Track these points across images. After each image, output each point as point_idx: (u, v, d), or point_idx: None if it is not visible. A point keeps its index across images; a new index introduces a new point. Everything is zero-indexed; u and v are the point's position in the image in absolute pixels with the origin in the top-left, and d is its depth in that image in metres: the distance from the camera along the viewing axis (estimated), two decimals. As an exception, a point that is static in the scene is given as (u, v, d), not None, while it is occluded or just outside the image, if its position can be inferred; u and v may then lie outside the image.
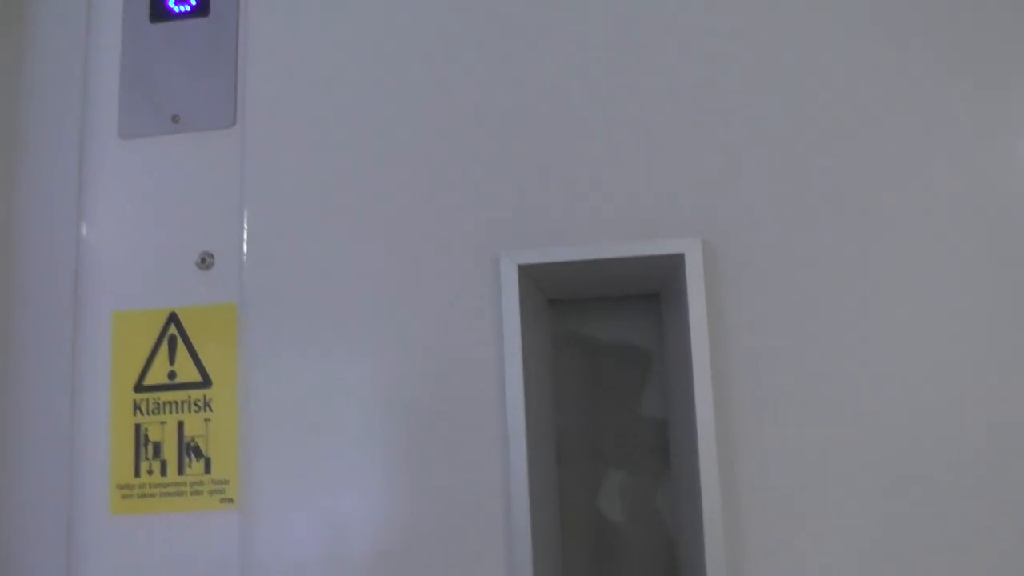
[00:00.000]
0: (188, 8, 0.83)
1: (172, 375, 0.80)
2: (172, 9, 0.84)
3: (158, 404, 0.80)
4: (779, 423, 0.70)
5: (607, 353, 0.85)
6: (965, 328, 0.71)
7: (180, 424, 0.79)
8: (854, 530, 0.69)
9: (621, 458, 0.85)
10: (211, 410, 0.79)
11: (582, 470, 0.85)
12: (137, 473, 0.80)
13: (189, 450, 0.79)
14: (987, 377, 0.70)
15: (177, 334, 0.80)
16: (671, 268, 0.73)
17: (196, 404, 0.79)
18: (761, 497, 0.70)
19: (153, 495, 0.79)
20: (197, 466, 0.79)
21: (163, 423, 0.80)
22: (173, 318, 0.80)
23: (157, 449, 0.79)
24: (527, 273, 0.73)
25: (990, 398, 0.70)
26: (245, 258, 0.79)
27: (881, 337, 0.71)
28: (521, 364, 0.71)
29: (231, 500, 0.78)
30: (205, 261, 0.80)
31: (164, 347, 0.80)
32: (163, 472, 0.79)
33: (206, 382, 0.79)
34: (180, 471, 0.79)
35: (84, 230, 0.83)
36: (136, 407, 0.80)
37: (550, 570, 0.77)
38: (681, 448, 0.75)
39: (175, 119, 0.83)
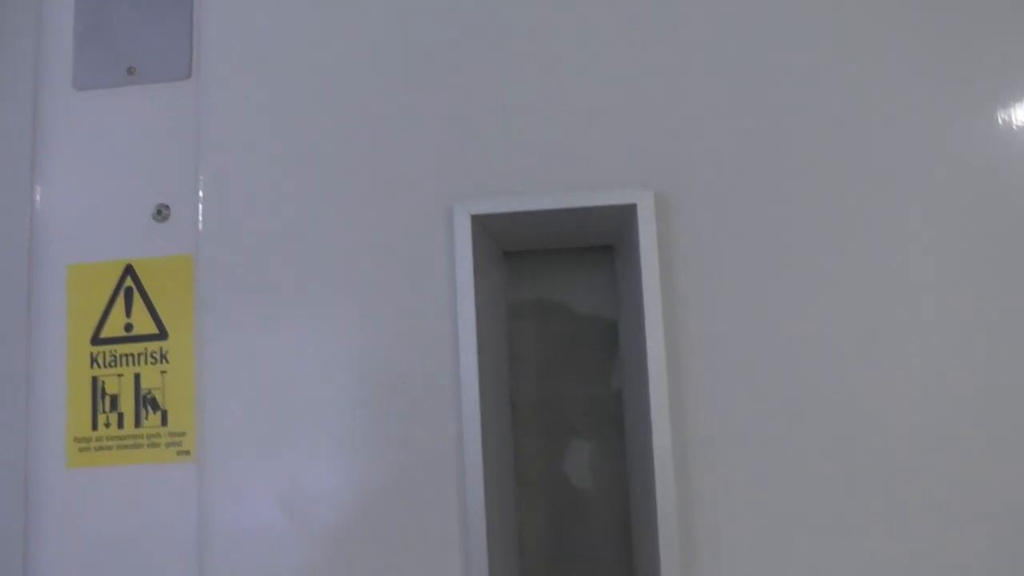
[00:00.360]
0: (143, -42, 0.82)
1: (128, 327, 0.80)
2: (127, -41, 0.83)
3: (115, 357, 0.80)
4: (730, 373, 0.71)
5: (564, 318, 0.86)
6: (916, 271, 0.72)
7: (137, 376, 0.79)
8: (804, 482, 0.70)
9: (578, 421, 0.86)
10: (168, 362, 0.79)
11: (538, 431, 0.86)
12: (95, 426, 0.79)
13: (146, 402, 0.79)
14: (941, 325, 0.71)
15: (133, 286, 0.80)
16: (624, 219, 0.73)
17: (153, 356, 0.79)
18: (711, 451, 0.71)
19: (110, 448, 0.79)
20: (154, 418, 0.79)
21: (120, 376, 0.79)
22: (129, 270, 0.80)
23: (114, 402, 0.79)
24: (481, 224, 0.73)
25: (944, 348, 0.71)
26: (201, 210, 0.79)
27: (835, 290, 0.72)
28: (475, 314, 0.71)
29: (188, 452, 0.78)
30: (161, 213, 0.80)
31: (120, 299, 0.80)
32: (120, 425, 0.79)
33: (162, 334, 0.79)
34: (137, 424, 0.79)
35: (38, 183, 0.82)
36: (93, 360, 0.80)
37: (505, 531, 0.77)
38: (634, 402, 0.76)
39: (130, 71, 0.82)
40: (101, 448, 0.79)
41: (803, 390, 0.71)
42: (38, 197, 0.82)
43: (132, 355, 0.79)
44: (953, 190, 0.72)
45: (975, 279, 0.71)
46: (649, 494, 0.69)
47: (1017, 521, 0.69)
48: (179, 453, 0.78)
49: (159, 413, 0.78)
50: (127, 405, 0.79)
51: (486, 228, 0.74)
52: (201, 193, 0.79)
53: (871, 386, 0.71)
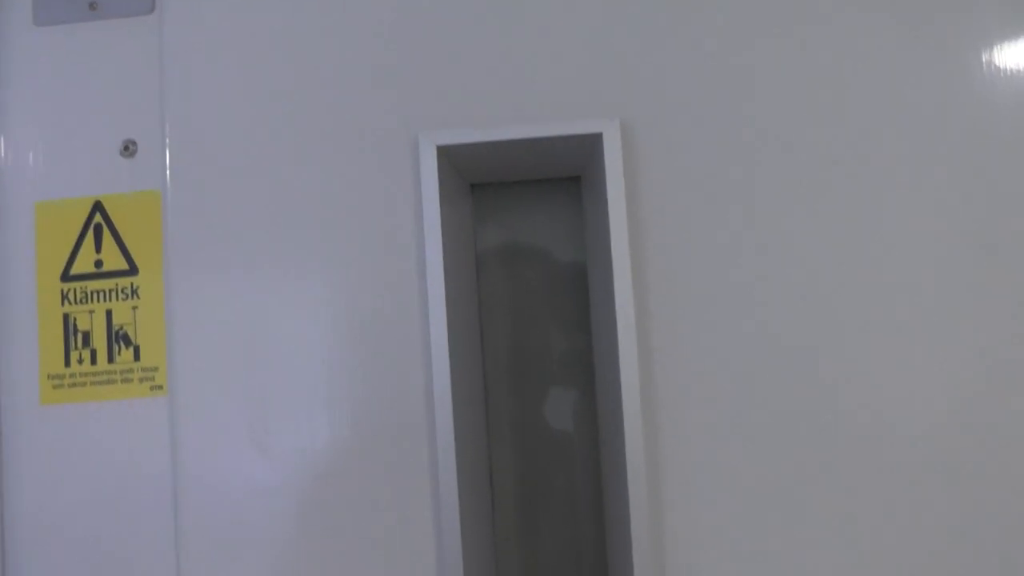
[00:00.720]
0: None
1: (99, 264, 0.80)
2: None
3: (86, 293, 0.80)
4: (697, 303, 0.72)
5: (535, 263, 0.86)
6: (887, 195, 0.73)
7: (108, 312, 0.79)
8: (773, 420, 0.72)
9: (550, 368, 0.87)
10: (139, 298, 0.79)
11: (509, 377, 0.87)
12: (67, 363, 0.80)
13: (118, 338, 0.79)
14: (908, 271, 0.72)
15: (103, 222, 0.80)
16: (590, 149, 0.73)
17: (124, 292, 0.79)
18: (678, 380, 0.72)
19: (84, 384, 0.80)
20: (127, 354, 0.79)
21: (91, 312, 0.80)
22: (98, 206, 0.80)
23: (86, 338, 0.80)
24: (446, 155, 0.73)
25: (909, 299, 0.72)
26: (167, 145, 0.78)
27: (806, 216, 0.73)
28: (442, 245, 0.71)
29: (161, 387, 0.78)
30: (128, 149, 0.79)
31: (90, 236, 0.80)
32: (93, 361, 0.79)
33: (133, 270, 0.79)
34: (110, 359, 0.79)
35: (2, 121, 0.81)
36: (64, 296, 0.80)
37: (476, 473, 0.79)
38: (603, 339, 0.77)
39: (92, 6, 0.81)
40: (75, 384, 0.80)
41: (773, 320, 0.72)
42: (2, 135, 0.81)
43: (103, 291, 0.79)
44: (931, 126, 0.73)
45: (956, 212, 0.72)
46: (618, 431, 0.71)
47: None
48: (152, 388, 0.79)
49: (132, 349, 0.79)
50: (99, 341, 0.79)
51: (452, 160, 0.74)
52: (167, 129, 0.78)
53: (843, 313, 0.72)
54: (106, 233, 0.80)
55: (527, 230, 0.86)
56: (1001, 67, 0.73)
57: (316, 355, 0.76)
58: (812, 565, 0.71)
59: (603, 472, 0.83)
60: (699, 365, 0.72)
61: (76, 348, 0.80)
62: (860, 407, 0.71)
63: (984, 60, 0.73)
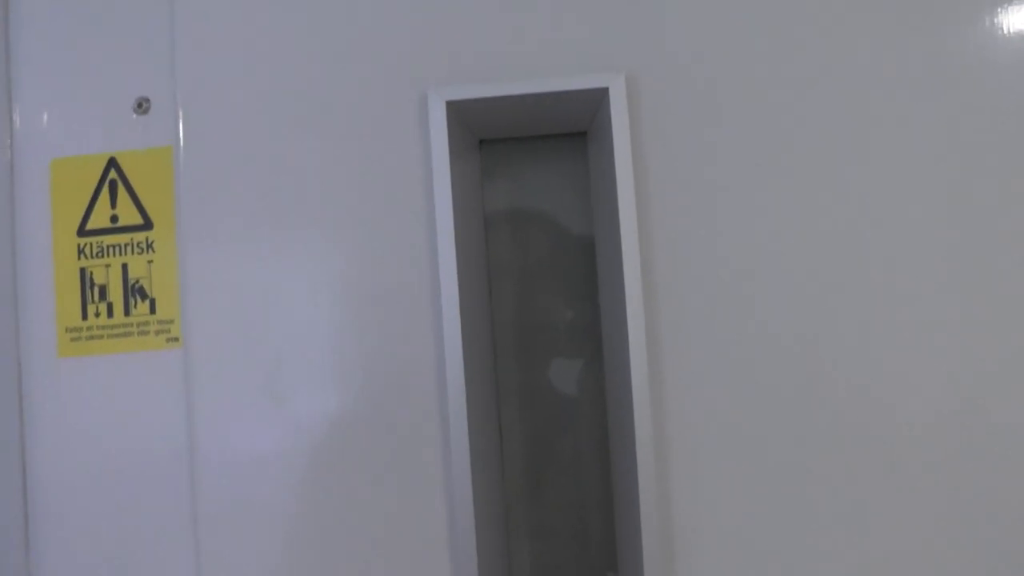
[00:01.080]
0: None
1: (114, 219, 0.81)
2: None
3: (101, 248, 0.81)
4: (703, 257, 0.74)
5: (538, 219, 0.87)
6: (893, 160, 0.74)
7: (124, 266, 0.81)
8: (779, 385, 0.73)
9: (558, 337, 0.89)
10: (154, 252, 0.81)
11: (517, 345, 0.89)
12: (84, 315, 0.82)
13: (134, 291, 0.81)
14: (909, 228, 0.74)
15: (117, 178, 0.81)
16: (597, 103, 0.75)
17: (139, 246, 0.81)
18: (685, 339, 0.74)
19: (101, 337, 0.82)
20: (142, 307, 0.81)
21: (107, 266, 0.81)
22: (112, 163, 0.81)
23: (103, 292, 0.82)
24: (455, 110, 0.74)
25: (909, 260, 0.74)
26: (179, 102, 0.80)
27: (813, 171, 0.74)
28: (452, 200, 0.73)
29: (176, 339, 0.80)
30: (141, 106, 0.81)
31: (105, 192, 0.81)
32: (110, 314, 0.81)
33: (147, 224, 0.81)
34: (126, 312, 0.81)
35: (16, 79, 0.83)
36: (80, 251, 0.82)
37: (486, 432, 0.81)
38: (610, 302, 0.79)
39: (105, -37, 0.82)
40: (92, 337, 0.81)
41: (782, 274, 0.73)
42: (17, 94, 0.83)
43: (118, 246, 0.81)
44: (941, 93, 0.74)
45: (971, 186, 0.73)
46: (625, 390, 0.73)
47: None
48: (168, 340, 0.80)
49: (147, 302, 0.81)
50: (116, 294, 0.81)
51: (460, 115, 0.75)
52: (179, 86, 0.80)
53: (851, 277, 0.73)
54: (121, 189, 0.81)
55: (534, 187, 0.87)
56: (1009, 58, 0.74)
57: (329, 311, 0.78)
58: (819, 528, 0.73)
59: (610, 426, 0.85)
60: (706, 314, 0.74)
61: (93, 301, 0.82)
62: (876, 376, 0.73)
63: (992, 42, 0.74)
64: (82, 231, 0.82)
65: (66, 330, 0.82)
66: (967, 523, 0.72)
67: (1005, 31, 0.73)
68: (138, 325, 0.81)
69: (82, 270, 0.82)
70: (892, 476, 0.72)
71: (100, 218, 0.81)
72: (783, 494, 0.73)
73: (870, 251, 0.73)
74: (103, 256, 0.81)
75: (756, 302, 0.73)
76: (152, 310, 0.81)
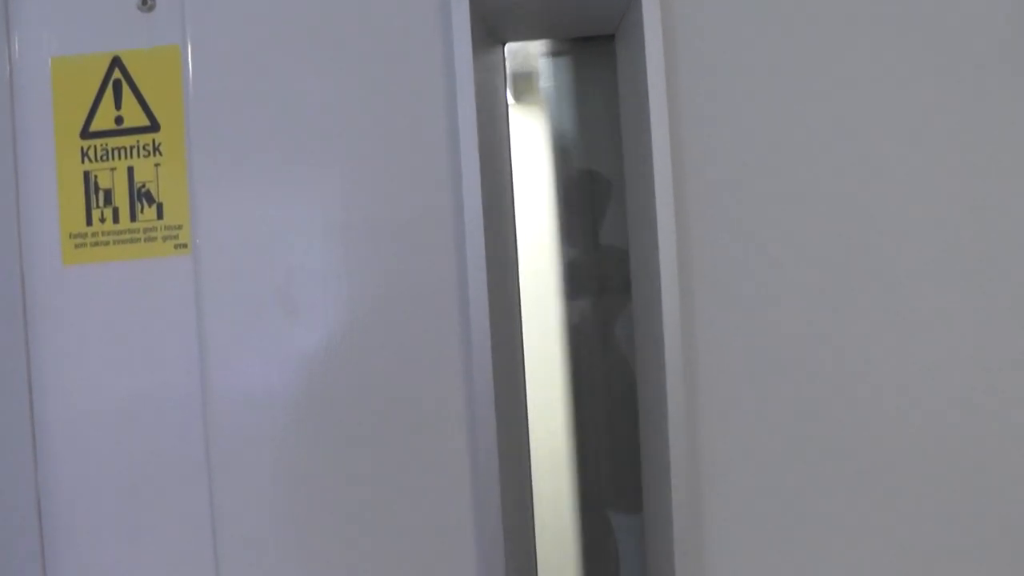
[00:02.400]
0: None
1: (119, 120, 0.78)
2: None
3: (106, 150, 0.78)
4: (732, 161, 0.71)
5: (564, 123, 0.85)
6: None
7: (130, 170, 0.78)
8: (806, 319, 0.71)
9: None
10: (161, 155, 0.78)
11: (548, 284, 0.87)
12: (89, 221, 0.79)
13: (140, 196, 0.78)
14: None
15: (122, 78, 0.78)
16: (626, 2, 0.71)
17: (145, 149, 0.78)
18: (716, 244, 0.72)
19: (107, 243, 0.79)
20: (149, 212, 0.78)
21: (113, 170, 0.78)
22: (116, 62, 0.78)
23: (108, 196, 0.79)
24: (479, 7, 0.71)
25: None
26: (188, -3, 0.76)
27: (846, 83, 0.71)
28: (474, 99, 0.70)
29: (185, 245, 0.78)
30: (147, 3, 0.77)
31: (109, 92, 0.78)
32: (116, 219, 0.79)
33: (154, 126, 0.78)
34: (133, 218, 0.78)
35: (15, -31, 0.79)
36: (84, 154, 0.79)
37: (511, 369, 0.79)
38: (639, 224, 0.76)
39: None
40: (97, 244, 0.79)
41: (814, 188, 0.70)
42: (16, -15, 0.79)
43: (124, 148, 0.78)
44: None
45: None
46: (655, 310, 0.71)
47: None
48: (176, 246, 0.78)
49: (154, 207, 0.78)
50: (121, 199, 0.78)
51: (483, 14, 0.72)
52: (187, -22, 0.76)
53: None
54: (126, 89, 0.78)
55: (558, 88, 0.84)
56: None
57: (344, 217, 0.75)
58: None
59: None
60: (735, 228, 0.72)
61: (97, 207, 0.79)
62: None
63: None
64: (85, 133, 0.78)
65: (70, 236, 0.79)
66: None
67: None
68: (145, 231, 0.78)
69: (86, 174, 0.79)
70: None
71: (104, 120, 0.78)
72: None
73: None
74: (108, 159, 0.78)
75: (795, 224, 0.71)
76: (159, 215, 0.78)
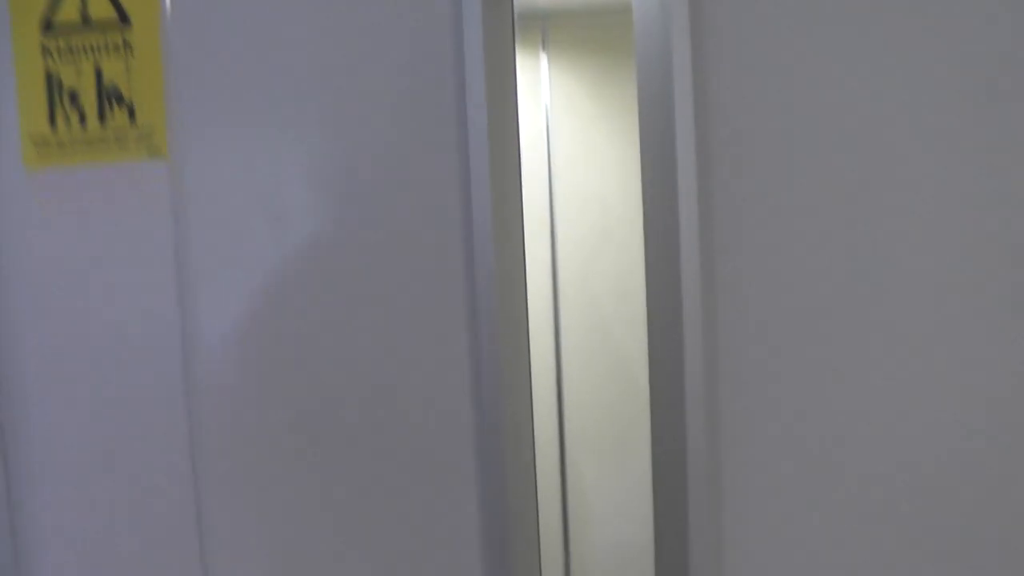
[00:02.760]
0: None
1: (85, 15, 0.73)
2: None
3: (71, 48, 0.74)
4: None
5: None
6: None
7: (98, 70, 0.74)
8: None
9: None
10: (132, 52, 0.73)
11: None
12: (53, 124, 0.74)
13: (110, 97, 0.74)
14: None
15: (86, -34, 0.73)
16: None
17: (115, 47, 0.73)
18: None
19: (72, 146, 0.75)
20: (120, 114, 0.74)
21: (78, 70, 0.74)
22: (79, -51, 0.73)
23: (73, 97, 0.74)
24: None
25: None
26: None
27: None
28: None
29: (160, 149, 0.74)
30: None
31: (72, -19, 0.73)
32: (82, 122, 0.74)
33: (124, 20, 0.73)
34: (101, 120, 0.74)
35: None
36: (45, 51, 0.74)
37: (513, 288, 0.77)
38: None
39: None
40: (61, 145, 0.74)
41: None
42: None
43: (91, 46, 0.74)
44: None
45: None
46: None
47: None
48: (151, 150, 0.74)
49: (125, 108, 0.74)
50: (88, 100, 0.74)
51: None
52: None
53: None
54: (91, -22, 0.73)
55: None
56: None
57: (325, 122, 0.73)
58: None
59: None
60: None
61: (62, 107, 0.74)
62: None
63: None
64: (47, 28, 0.73)
65: (31, 139, 0.75)
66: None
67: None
68: (115, 133, 0.74)
69: (48, 73, 0.74)
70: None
71: (68, 12, 0.73)
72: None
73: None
74: (73, 56, 0.74)
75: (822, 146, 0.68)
76: (131, 117, 0.74)
